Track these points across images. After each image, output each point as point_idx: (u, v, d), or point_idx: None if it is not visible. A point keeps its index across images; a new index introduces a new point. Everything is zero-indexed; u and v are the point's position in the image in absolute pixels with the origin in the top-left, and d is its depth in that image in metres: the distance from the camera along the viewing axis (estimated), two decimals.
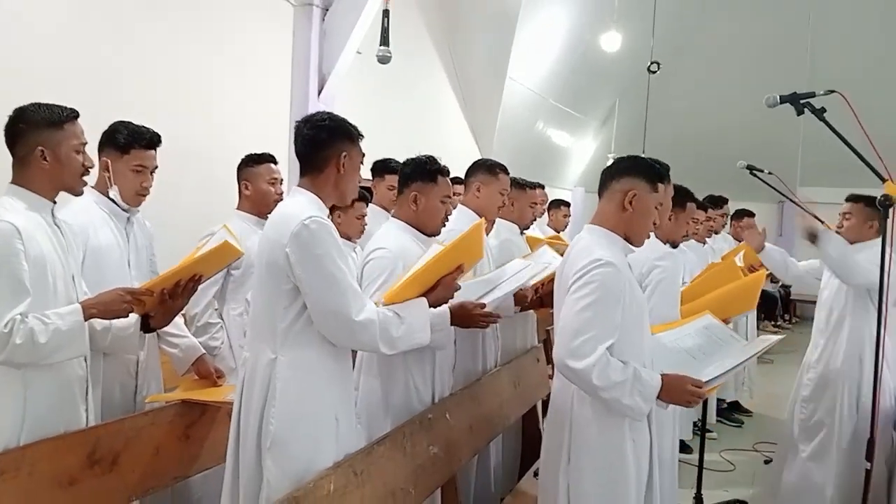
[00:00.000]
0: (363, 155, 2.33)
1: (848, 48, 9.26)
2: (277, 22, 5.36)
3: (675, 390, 2.29)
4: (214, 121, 4.75)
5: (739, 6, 9.78)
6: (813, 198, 5.65)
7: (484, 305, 2.70)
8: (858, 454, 3.49)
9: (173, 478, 2.68)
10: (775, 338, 3.25)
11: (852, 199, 3.98)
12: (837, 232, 3.98)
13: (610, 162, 2.55)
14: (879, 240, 3.65)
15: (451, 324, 2.63)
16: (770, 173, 5.26)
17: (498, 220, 3.89)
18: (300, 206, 2.20)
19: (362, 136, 2.32)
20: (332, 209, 3.74)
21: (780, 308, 11.10)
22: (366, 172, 4.48)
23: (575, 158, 12.20)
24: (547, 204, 6.45)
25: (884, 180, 2.73)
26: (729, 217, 6.56)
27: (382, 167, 4.36)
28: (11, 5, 3.64)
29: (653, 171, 2.42)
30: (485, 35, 8.20)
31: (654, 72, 8.71)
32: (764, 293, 10.12)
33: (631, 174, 2.42)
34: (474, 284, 2.86)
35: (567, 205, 6.93)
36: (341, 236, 3.38)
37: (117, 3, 4.20)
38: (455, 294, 2.62)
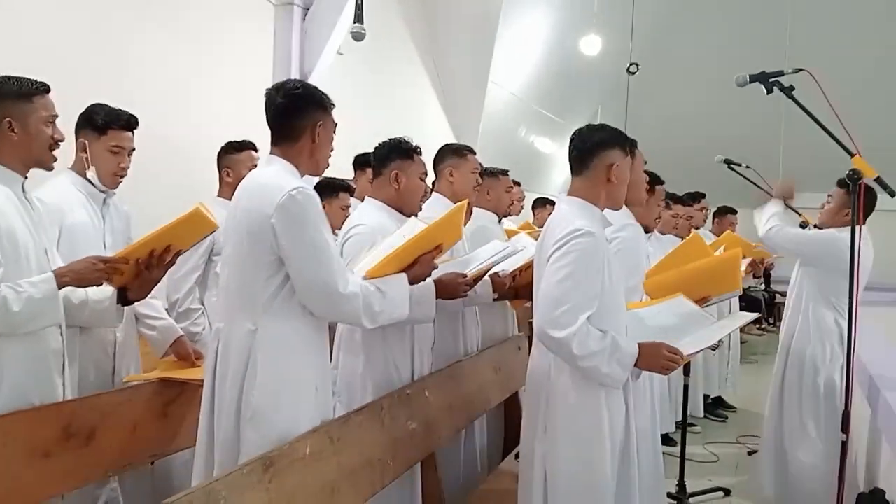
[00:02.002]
0: (335, 124, 2.34)
1: (828, 42, 9.41)
2: (258, 21, 5.39)
3: (651, 357, 2.34)
4: (193, 116, 4.75)
5: (718, 5, 9.90)
6: (794, 203, 5.70)
7: (465, 275, 2.73)
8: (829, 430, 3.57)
9: (151, 455, 2.68)
10: (750, 315, 3.29)
11: (840, 183, 3.88)
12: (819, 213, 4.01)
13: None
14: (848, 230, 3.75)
15: (437, 297, 2.65)
16: (747, 167, 5.33)
17: (476, 208, 3.92)
18: (279, 175, 2.19)
19: (333, 105, 2.33)
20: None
21: (765, 311, 11.18)
22: (346, 170, 4.52)
23: (559, 165, 12.25)
24: (523, 200, 6.52)
25: (852, 155, 2.76)
26: (710, 213, 6.62)
27: (364, 160, 4.38)
28: None
29: (623, 138, 2.48)
30: (466, 38, 8.26)
31: (633, 73, 8.79)
32: (748, 296, 10.22)
33: (606, 147, 2.45)
34: (452, 265, 2.87)
35: (553, 203, 6.98)
36: None
37: None
38: (433, 273, 2.65)
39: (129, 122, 2.77)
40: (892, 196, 2.73)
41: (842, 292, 3.51)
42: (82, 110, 2.76)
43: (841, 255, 3.24)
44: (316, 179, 3.42)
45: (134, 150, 2.81)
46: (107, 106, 2.76)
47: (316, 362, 2.24)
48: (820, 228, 3.93)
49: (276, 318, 2.14)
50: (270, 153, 2.29)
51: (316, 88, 2.32)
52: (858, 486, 3.65)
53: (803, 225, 5.13)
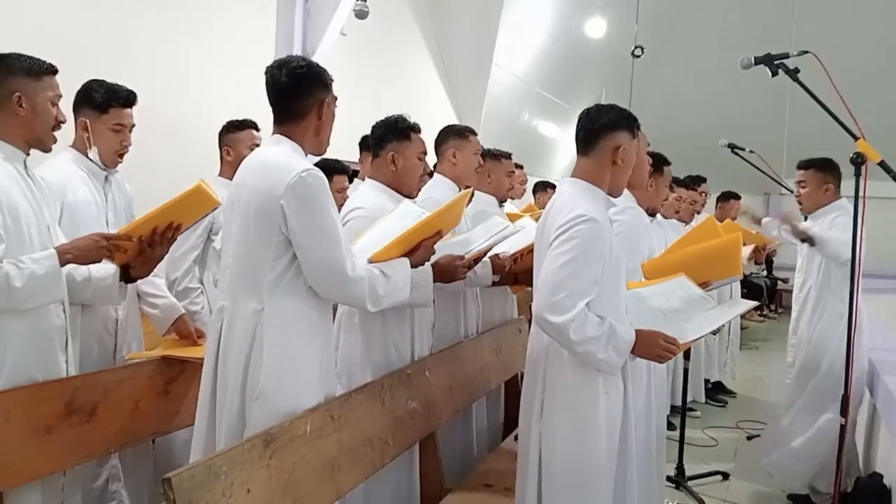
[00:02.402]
0: (336, 99, 2.33)
1: (834, 25, 9.36)
2: (261, 1, 5.37)
3: (648, 345, 2.34)
4: (194, 95, 4.75)
5: None
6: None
7: (463, 258, 2.73)
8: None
9: (152, 432, 2.70)
10: (751, 303, 3.29)
11: (804, 165, 3.92)
12: (798, 200, 4.00)
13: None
14: (838, 202, 3.76)
15: (434, 280, 2.66)
16: (752, 151, 5.31)
17: (476, 192, 3.91)
18: (288, 156, 2.18)
19: (332, 79, 2.31)
20: None
21: (766, 297, 11.20)
22: (348, 151, 4.51)
23: (563, 149, 12.23)
24: (525, 183, 6.50)
25: (856, 138, 2.75)
26: (714, 199, 6.61)
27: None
28: None
29: (631, 120, 2.47)
30: (470, 19, 8.22)
31: (638, 56, 8.74)
32: (750, 283, 10.22)
33: (615, 128, 2.44)
34: (451, 244, 2.87)
35: (553, 187, 6.96)
36: None
37: None
38: (432, 256, 2.66)
39: (129, 99, 2.76)
40: None
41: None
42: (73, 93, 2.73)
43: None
44: (317, 159, 3.41)
45: (134, 126, 2.81)
46: (104, 82, 2.74)
47: (320, 342, 2.25)
48: (807, 214, 3.91)
49: (282, 299, 2.14)
50: (274, 132, 2.27)
51: (318, 65, 2.30)
52: (859, 469, 3.67)
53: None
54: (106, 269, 2.44)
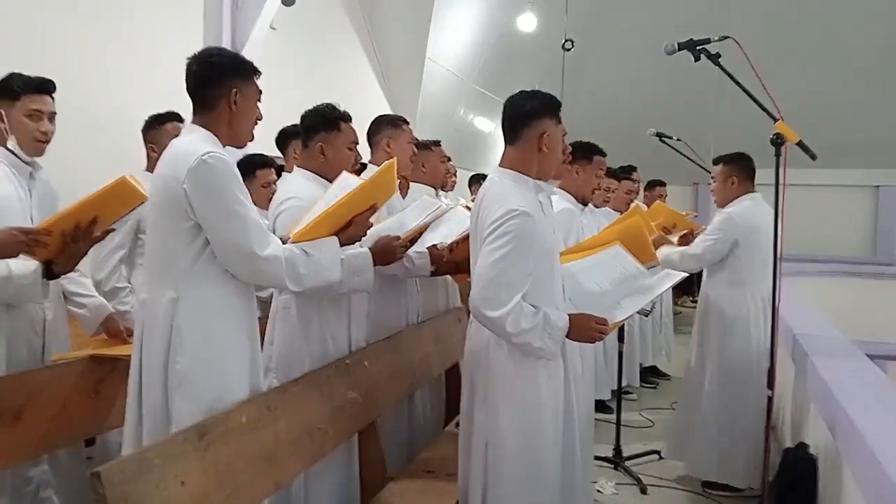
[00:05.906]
0: (260, 92, 2.29)
1: (760, 14, 9.66)
2: None
3: (580, 329, 2.42)
4: (119, 93, 4.62)
5: None
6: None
7: (399, 237, 2.73)
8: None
9: (83, 434, 2.63)
10: (682, 273, 3.37)
11: (715, 161, 4.07)
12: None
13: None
14: (746, 195, 3.93)
15: (375, 264, 2.64)
16: (679, 139, 5.46)
17: (412, 183, 3.92)
18: (195, 142, 2.15)
19: (259, 72, 2.27)
20: None
21: (697, 284, 11.51)
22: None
23: (499, 143, 12.28)
24: (455, 174, 6.51)
25: (775, 120, 2.85)
26: (641, 187, 6.75)
27: (286, 135, 4.27)
28: None
29: (553, 105, 2.51)
30: (402, 15, 8.20)
31: (569, 49, 8.85)
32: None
33: (539, 115, 2.48)
34: (385, 227, 2.87)
35: None
36: None
37: None
38: (367, 240, 2.65)
39: (44, 85, 2.65)
40: (814, 159, 2.82)
41: (744, 266, 3.82)
42: None
43: (740, 231, 3.74)
44: (239, 153, 3.35)
45: (55, 114, 2.70)
46: (20, 73, 2.64)
47: (242, 327, 2.21)
48: (721, 208, 4.04)
49: (197, 285, 2.11)
50: (191, 122, 2.24)
51: (236, 55, 2.27)
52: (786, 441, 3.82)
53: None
54: (27, 266, 2.35)
